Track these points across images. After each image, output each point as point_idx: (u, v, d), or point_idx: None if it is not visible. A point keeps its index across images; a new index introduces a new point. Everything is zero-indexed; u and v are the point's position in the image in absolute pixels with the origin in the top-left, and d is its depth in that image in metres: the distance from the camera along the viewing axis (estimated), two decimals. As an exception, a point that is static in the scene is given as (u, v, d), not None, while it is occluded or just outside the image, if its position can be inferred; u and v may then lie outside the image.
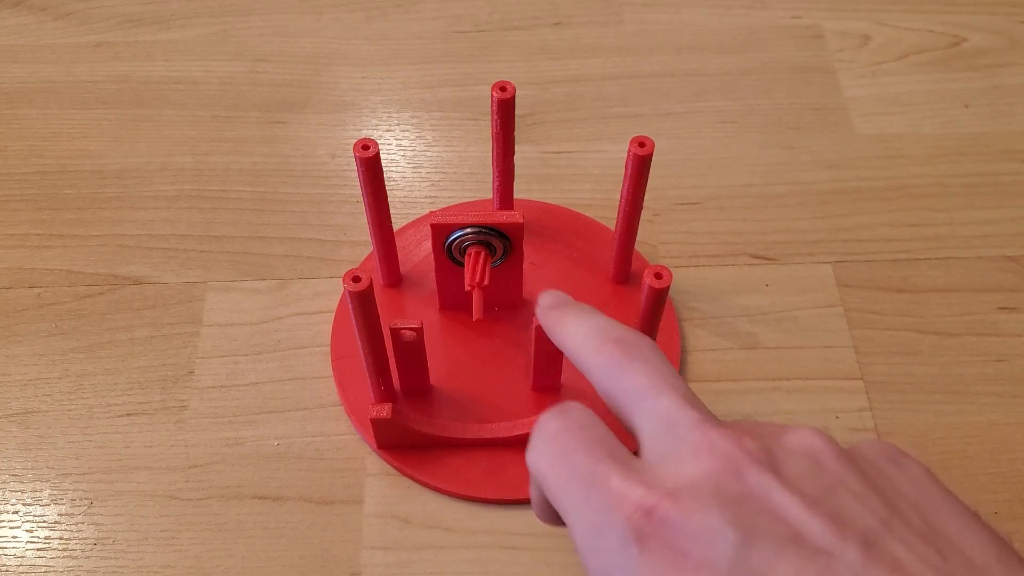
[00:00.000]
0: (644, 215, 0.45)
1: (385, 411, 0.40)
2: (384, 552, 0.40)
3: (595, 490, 0.25)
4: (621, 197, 0.42)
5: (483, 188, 0.52)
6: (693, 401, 0.27)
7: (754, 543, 0.23)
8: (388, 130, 0.55)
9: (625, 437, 0.28)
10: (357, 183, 0.41)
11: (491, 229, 0.41)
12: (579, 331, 0.31)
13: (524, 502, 0.41)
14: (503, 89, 0.41)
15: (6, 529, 0.41)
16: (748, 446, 0.25)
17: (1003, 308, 0.47)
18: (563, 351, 0.32)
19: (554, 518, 0.30)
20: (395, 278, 0.47)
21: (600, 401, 0.30)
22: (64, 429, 0.44)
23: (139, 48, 0.59)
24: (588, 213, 0.51)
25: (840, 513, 0.24)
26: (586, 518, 0.25)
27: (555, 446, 0.27)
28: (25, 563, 0.40)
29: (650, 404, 0.27)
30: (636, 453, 0.27)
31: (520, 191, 0.48)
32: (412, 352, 0.40)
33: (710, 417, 0.27)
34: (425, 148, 0.54)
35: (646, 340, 0.30)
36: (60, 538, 0.41)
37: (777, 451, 0.26)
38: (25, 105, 0.56)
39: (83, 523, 0.41)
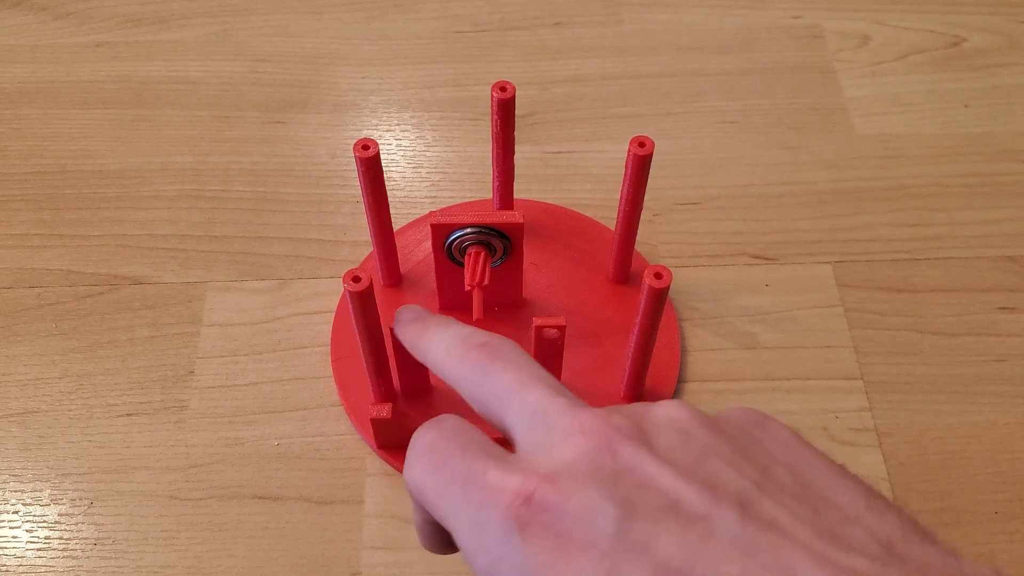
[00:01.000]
0: (644, 215, 0.45)
1: (385, 411, 0.40)
2: (384, 552, 0.40)
3: (473, 487, 0.25)
4: (621, 197, 0.42)
5: (483, 188, 0.52)
6: (561, 391, 0.27)
7: (634, 516, 0.23)
8: (388, 130, 0.55)
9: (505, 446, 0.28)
10: (357, 183, 0.41)
11: (491, 229, 0.41)
12: (441, 342, 0.32)
13: (524, 502, 0.41)
14: (503, 89, 0.41)
15: (6, 529, 0.41)
16: (618, 423, 0.26)
17: (1003, 308, 0.47)
18: (427, 364, 0.32)
19: (439, 542, 0.30)
20: (395, 278, 0.47)
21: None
22: (64, 429, 0.44)
23: (139, 48, 0.59)
24: (588, 213, 0.51)
25: (713, 479, 0.24)
26: (467, 517, 0.25)
27: (430, 456, 0.27)
28: (25, 563, 0.40)
29: (519, 399, 0.27)
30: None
31: (520, 191, 0.48)
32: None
33: (579, 402, 0.27)
34: (425, 148, 0.54)
35: (508, 341, 0.30)
36: (60, 538, 0.41)
37: (646, 426, 0.26)
38: (25, 105, 0.56)
39: (83, 523, 0.41)
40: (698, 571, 0.22)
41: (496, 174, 0.46)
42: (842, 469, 0.26)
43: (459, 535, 0.25)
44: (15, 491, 0.42)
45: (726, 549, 0.23)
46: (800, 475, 0.25)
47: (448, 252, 0.42)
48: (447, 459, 0.26)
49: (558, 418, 0.26)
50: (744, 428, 0.28)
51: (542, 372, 0.28)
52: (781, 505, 0.24)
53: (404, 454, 0.42)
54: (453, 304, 0.46)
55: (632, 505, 0.23)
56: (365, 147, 0.39)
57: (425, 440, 0.27)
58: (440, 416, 0.28)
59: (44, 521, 0.41)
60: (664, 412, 0.27)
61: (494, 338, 0.30)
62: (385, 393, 0.42)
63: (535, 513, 0.24)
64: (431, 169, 0.53)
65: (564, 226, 0.50)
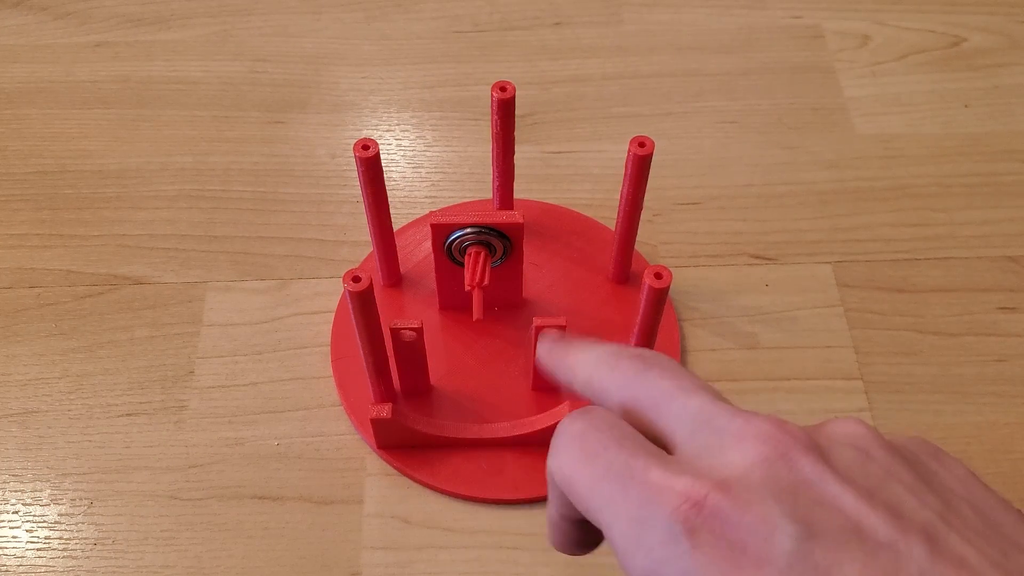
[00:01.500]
0: (644, 215, 0.45)
1: (385, 411, 0.40)
2: (384, 552, 0.40)
3: (634, 484, 0.24)
4: (621, 197, 0.42)
5: (483, 188, 0.52)
6: (724, 398, 0.26)
7: (814, 537, 0.22)
8: (388, 130, 0.55)
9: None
10: (357, 183, 0.41)
11: (491, 229, 0.41)
12: (592, 355, 0.30)
13: (524, 502, 0.41)
14: (503, 89, 0.41)
15: (6, 529, 0.41)
16: (794, 431, 0.24)
17: (1003, 308, 0.47)
18: (572, 383, 0.30)
19: (573, 541, 0.28)
20: (395, 278, 0.47)
21: None
22: (64, 429, 0.44)
23: (139, 48, 0.59)
24: (588, 213, 0.51)
25: (896, 506, 0.23)
26: (626, 514, 0.24)
27: (581, 446, 0.25)
28: (25, 563, 0.40)
29: (680, 403, 0.26)
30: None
31: (520, 191, 0.48)
32: (412, 352, 0.40)
33: (746, 410, 0.26)
34: (425, 148, 0.54)
35: (662, 354, 0.29)
36: (60, 538, 0.41)
37: (822, 440, 0.25)
38: (25, 105, 0.56)
39: (83, 523, 0.41)
40: None
41: (496, 174, 0.46)
42: (1020, 511, 0.25)
43: (614, 532, 0.24)
44: (15, 491, 0.42)
45: None
46: (982, 513, 0.24)
47: (448, 252, 0.42)
48: (601, 451, 0.25)
49: (728, 421, 0.25)
50: (920, 457, 0.25)
51: (701, 381, 0.27)
52: (969, 543, 0.22)
53: (404, 454, 0.42)
54: (453, 304, 0.46)
55: (812, 524, 0.22)
56: (365, 147, 0.39)
57: (575, 429, 0.26)
58: (587, 407, 0.27)
59: (44, 521, 0.41)
60: (842, 428, 0.25)
61: (647, 350, 0.29)
62: (385, 393, 0.42)
63: (706, 519, 0.22)
64: (431, 169, 0.53)
65: (564, 226, 0.50)
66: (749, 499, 0.22)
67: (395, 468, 0.42)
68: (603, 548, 0.41)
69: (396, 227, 0.47)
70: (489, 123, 0.45)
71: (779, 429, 0.24)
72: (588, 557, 0.40)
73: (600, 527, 0.25)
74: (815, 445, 0.24)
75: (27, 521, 0.41)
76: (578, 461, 0.25)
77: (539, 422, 0.41)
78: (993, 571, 0.22)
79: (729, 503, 0.22)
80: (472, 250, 0.41)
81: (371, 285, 0.35)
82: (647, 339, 0.39)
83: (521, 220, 0.41)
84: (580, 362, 0.30)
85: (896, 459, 0.24)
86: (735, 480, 0.23)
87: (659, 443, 0.26)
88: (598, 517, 0.25)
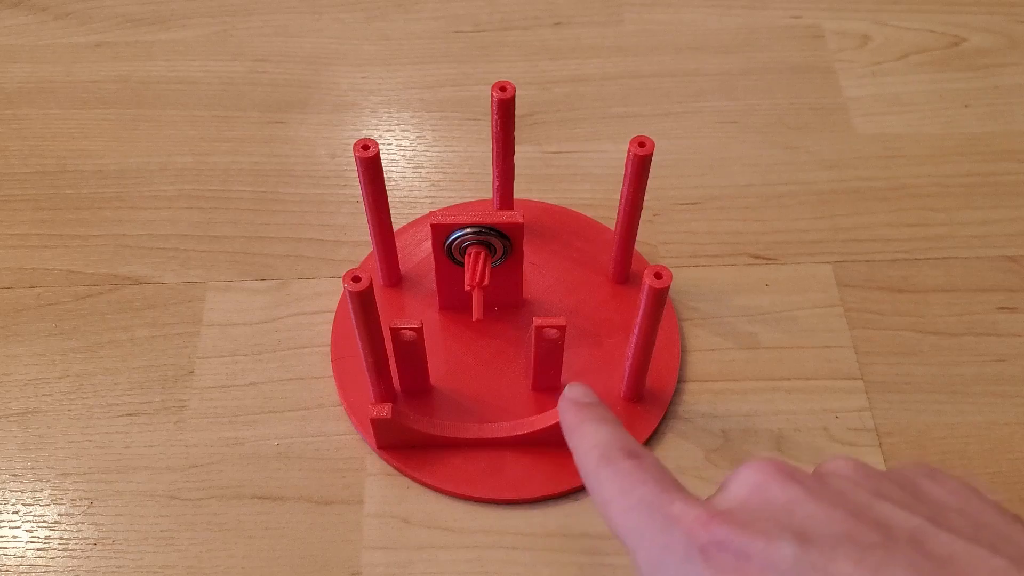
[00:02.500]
0: (644, 215, 0.45)
1: (385, 411, 0.40)
2: (384, 552, 0.40)
3: (659, 514, 0.27)
4: (621, 197, 0.42)
5: (483, 188, 0.52)
6: None
7: (810, 543, 0.24)
8: (388, 130, 0.55)
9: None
10: (357, 183, 0.41)
11: (491, 229, 0.41)
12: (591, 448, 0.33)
13: (524, 502, 0.41)
14: (503, 89, 0.41)
15: (6, 529, 0.41)
16: (784, 464, 0.28)
17: (1003, 308, 0.47)
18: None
19: None
20: (395, 278, 0.47)
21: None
22: (64, 429, 0.44)
23: (139, 48, 0.59)
24: (588, 213, 0.51)
25: (885, 519, 0.25)
26: (651, 540, 0.27)
27: (625, 479, 0.29)
28: (25, 563, 0.40)
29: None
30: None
31: (520, 191, 0.48)
32: (412, 352, 0.40)
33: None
34: (425, 148, 0.54)
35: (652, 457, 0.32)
36: (60, 538, 0.41)
37: (815, 473, 0.28)
38: (25, 105, 0.56)
39: (83, 523, 0.41)
40: None
41: (496, 174, 0.46)
42: (1017, 516, 0.27)
43: (639, 553, 0.28)
44: (15, 491, 0.42)
45: (906, 573, 0.23)
46: (974, 518, 0.26)
47: (448, 252, 0.42)
48: (640, 486, 0.29)
49: (733, 474, 0.28)
50: (912, 478, 0.28)
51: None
52: (957, 542, 0.24)
53: (404, 454, 0.42)
54: (453, 304, 0.46)
55: (807, 533, 0.25)
56: (365, 147, 0.39)
57: (626, 466, 0.30)
58: (641, 448, 0.31)
59: (44, 521, 0.41)
60: (833, 464, 0.29)
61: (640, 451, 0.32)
62: (385, 393, 0.42)
63: (716, 540, 0.25)
64: (431, 169, 0.53)
65: (564, 226, 0.50)
66: (749, 519, 0.26)
67: (395, 468, 0.42)
68: (604, 548, 0.41)
69: (396, 227, 0.47)
70: (489, 123, 0.45)
71: (770, 462, 0.28)
72: (591, 557, 0.40)
73: (627, 548, 0.28)
74: (805, 477, 0.27)
75: (27, 521, 0.41)
76: (617, 494, 0.29)
77: (539, 422, 0.41)
78: (984, 559, 0.24)
79: (733, 524, 0.26)
80: (472, 250, 0.41)
81: (371, 285, 0.35)
82: (647, 339, 0.39)
83: (521, 220, 0.41)
84: (581, 452, 0.33)
85: (885, 482, 0.27)
86: (737, 506, 0.27)
87: None
88: (626, 540, 0.28)
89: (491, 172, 0.46)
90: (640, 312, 0.37)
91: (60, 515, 0.41)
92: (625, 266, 0.47)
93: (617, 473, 0.30)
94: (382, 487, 0.42)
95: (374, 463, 0.43)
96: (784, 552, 0.24)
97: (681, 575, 0.26)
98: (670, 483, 0.29)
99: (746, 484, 0.27)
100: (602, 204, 0.51)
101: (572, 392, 0.36)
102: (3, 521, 0.41)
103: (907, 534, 0.24)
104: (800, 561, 0.24)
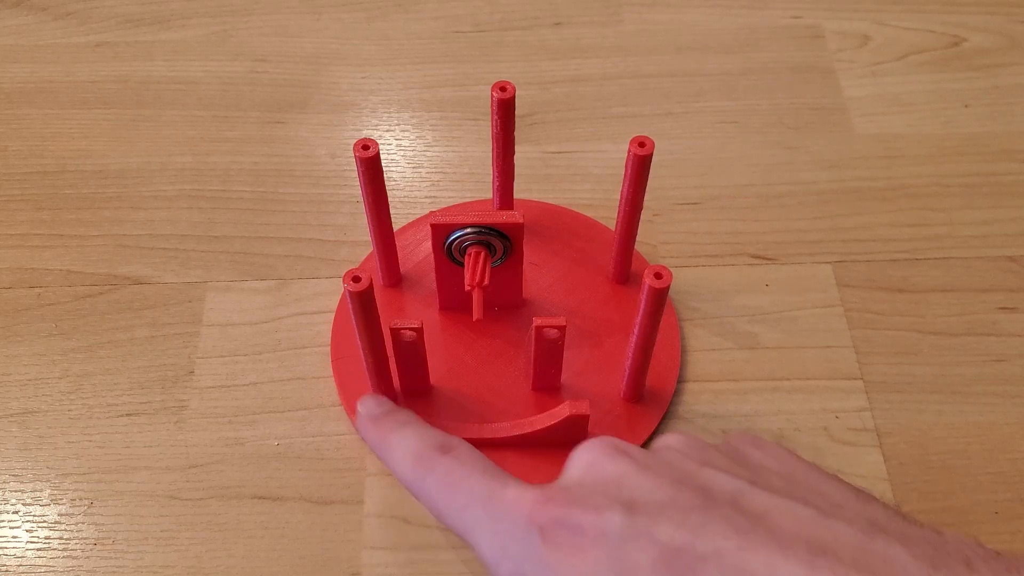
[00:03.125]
0: (644, 215, 0.45)
1: (385, 411, 0.40)
2: (384, 552, 0.40)
3: (493, 503, 0.29)
4: (621, 197, 0.42)
5: (483, 188, 0.52)
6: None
7: (636, 511, 0.26)
8: (388, 130, 0.55)
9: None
10: (357, 183, 0.41)
11: (491, 229, 0.41)
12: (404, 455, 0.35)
13: (524, 502, 0.41)
14: (503, 89, 0.41)
15: (6, 529, 0.41)
16: (613, 441, 0.29)
17: (1003, 308, 0.47)
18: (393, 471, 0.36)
19: None
20: (395, 278, 0.47)
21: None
22: (64, 429, 0.44)
23: (139, 48, 0.59)
24: (588, 213, 0.51)
25: (707, 484, 0.27)
26: (490, 528, 0.28)
27: (447, 478, 0.30)
28: (25, 563, 0.40)
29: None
30: None
31: (520, 191, 0.49)
32: (412, 352, 0.40)
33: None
34: (425, 148, 0.54)
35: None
36: (60, 538, 0.41)
37: (647, 449, 0.30)
38: (25, 105, 0.56)
39: (83, 523, 0.41)
40: (698, 547, 0.25)
41: (496, 174, 0.46)
42: (831, 474, 0.29)
43: (481, 547, 0.29)
44: (15, 491, 0.42)
45: (723, 529, 0.25)
46: (791, 478, 0.28)
47: (448, 252, 0.42)
48: (465, 480, 0.30)
49: (572, 453, 0.30)
50: (737, 447, 0.30)
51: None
52: (772, 497, 0.26)
53: (404, 454, 0.42)
54: (453, 304, 0.46)
55: (635, 504, 0.26)
56: (365, 147, 0.39)
57: (444, 465, 0.31)
58: (451, 438, 0.32)
59: (44, 521, 0.41)
60: (664, 440, 0.30)
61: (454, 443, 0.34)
62: (385, 393, 0.42)
63: (552, 518, 0.27)
64: (431, 169, 0.53)
65: (564, 226, 0.50)
66: (582, 495, 0.27)
67: (395, 468, 0.42)
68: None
69: (396, 227, 0.47)
70: (489, 123, 0.45)
71: (602, 440, 0.29)
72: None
73: (469, 544, 0.29)
74: (635, 451, 0.29)
75: (27, 521, 0.41)
76: (445, 492, 0.30)
77: (539, 422, 0.41)
78: (795, 510, 0.25)
79: (567, 501, 0.27)
80: (472, 250, 0.41)
81: (371, 285, 0.35)
82: (647, 339, 0.39)
83: (521, 220, 0.41)
84: (394, 460, 0.34)
85: (711, 452, 0.29)
86: (571, 484, 0.28)
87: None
88: (467, 536, 0.29)
89: (491, 172, 0.46)
90: (640, 312, 0.37)
91: (60, 515, 0.41)
92: (625, 266, 0.47)
93: (437, 472, 0.31)
94: (382, 487, 0.42)
95: (374, 463, 0.43)
96: (613, 521, 0.26)
97: (525, 557, 0.27)
98: (492, 470, 0.30)
99: (581, 463, 0.29)
100: (602, 204, 0.51)
101: (364, 408, 0.37)
102: (3, 521, 0.41)
103: (727, 496, 0.26)
104: (627, 527, 0.26)
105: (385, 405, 0.36)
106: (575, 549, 0.26)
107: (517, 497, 0.28)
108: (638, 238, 0.46)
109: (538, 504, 0.27)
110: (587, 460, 0.29)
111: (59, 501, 0.42)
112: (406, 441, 0.33)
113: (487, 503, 0.29)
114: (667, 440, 0.30)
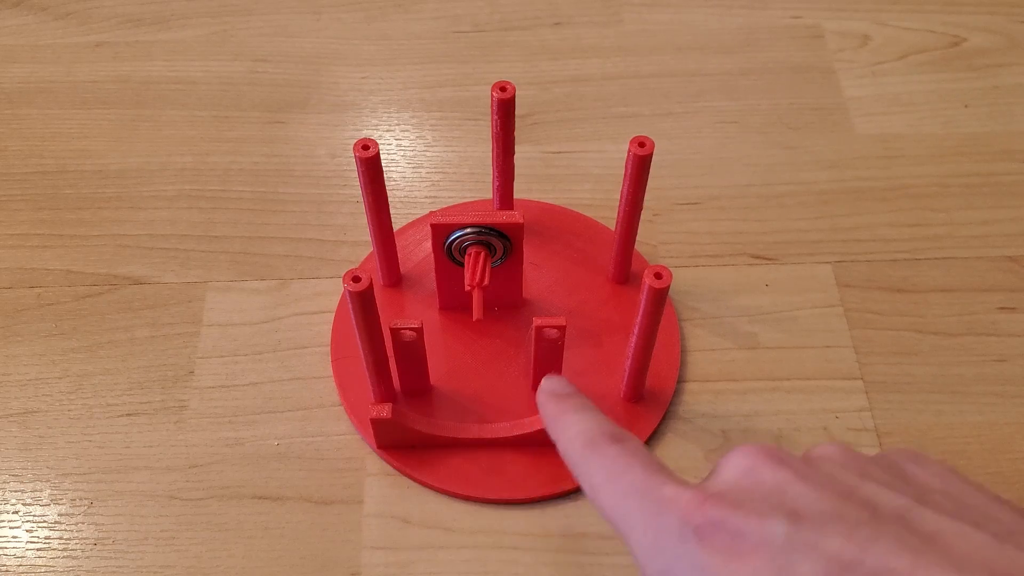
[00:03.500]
0: (644, 215, 0.45)
1: (385, 411, 0.40)
2: (384, 552, 0.40)
3: (651, 498, 0.28)
4: (621, 197, 0.42)
5: (483, 188, 0.52)
6: None
7: (801, 521, 0.25)
8: (388, 130, 0.55)
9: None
10: (357, 183, 0.41)
11: (491, 229, 0.41)
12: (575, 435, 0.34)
13: (524, 502, 0.41)
14: (503, 89, 0.41)
15: (6, 529, 0.41)
16: (772, 448, 0.28)
17: (1003, 308, 0.47)
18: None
19: None
20: (395, 278, 0.47)
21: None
22: (64, 429, 0.44)
23: (139, 48, 0.59)
24: (588, 213, 0.51)
25: (871, 499, 0.26)
26: (643, 523, 0.28)
27: (611, 465, 0.30)
28: (25, 563, 0.40)
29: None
30: None
31: (520, 191, 0.48)
32: (412, 352, 0.41)
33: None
34: (425, 148, 0.54)
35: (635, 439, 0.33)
36: (60, 538, 0.41)
37: (804, 457, 0.28)
38: (25, 105, 0.56)
39: (83, 523, 0.41)
40: (868, 563, 0.24)
41: (496, 174, 0.46)
42: (998, 496, 0.27)
43: (632, 537, 0.28)
44: (15, 491, 0.42)
45: (893, 546, 0.24)
46: (958, 499, 0.27)
47: (448, 252, 0.42)
48: (627, 471, 0.29)
49: (725, 458, 0.29)
50: (897, 462, 0.29)
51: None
52: (942, 518, 0.25)
53: (404, 454, 0.42)
54: (453, 304, 0.46)
55: (798, 513, 0.25)
56: (365, 147, 0.39)
57: (612, 451, 0.30)
58: (623, 432, 0.31)
59: (44, 521, 0.41)
60: (820, 449, 0.29)
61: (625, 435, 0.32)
62: (385, 393, 0.42)
63: (710, 520, 0.26)
64: (431, 169, 0.53)
65: (564, 226, 0.50)
66: (742, 499, 0.26)
67: (395, 468, 0.42)
68: (604, 548, 0.41)
69: (396, 227, 0.47)
70: (489, 123, 0.45)
71: (760, 447, 0.28)
72: (591, 557, 0.40)
73: (620, 534, 0.29)
74: (793, 460, 0.28)
75: (27, 521, 0.41)
76: (606, 480, 0.30)
77: (539, 422, 0.41)
78: (968, 535, 0.24)
79: (726, 504, 0.26)
80: (472, 250, 0.41)
81: (371, 285, 0.35)
82: (647, 339, 0.39)
83: (521, 220, 0.41)
84: (565, 440, 0.33)
85: (871, 465, 0.28)
86: (729, 488, 0.27)
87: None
88: (619, 526, 0.29)
89: (491, 172, 0.46)
90: (640, 312, 0.37)
91: (60, 515, 0.41)
92: (625, 266, 0.47)
93: (604, 459, 0.30)
94: (382, 487, 0.42)
95: (374, 463, 0.43)
96: (777, 530, 0.25)
97: (677, 556, 0.26)
98: (657, 466, 0.29)
99: (737, 468, 0.28)
100: (602, 204, 0.51)
101: (549, 384, 0.36)
102: (3, 521, 0.41)
103: (894, 512, 0.25)
104: (792, 538, 0.24)
105: (570, 388, 0.36)
106: (734, 554, 0.25)
107: (674, 495, 0.27)
108: (638, 238, 0.46)
109: (695, 504, 0.26)
110: (745, 465, 0.27)
111: (59, 501, 0.42)
112: (582, 423, 0.32)
113: (644, 496, 0.28)
114: (823, 450, 0.29)
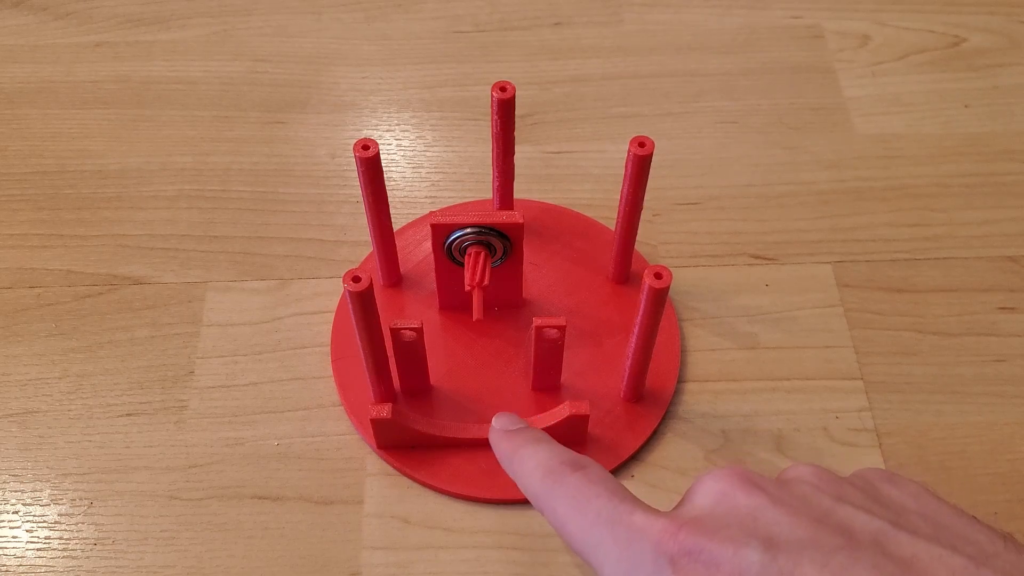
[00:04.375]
0: (644, 215, 0.45)
1: (385, 411, 0.40)
2: (384, 552, 0.40)
3: (621, 527, 0.27)
4: (621, 197, 0.42)
5: (483, 188, 0.52)
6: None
7: (776, 548, 0.25)
8: (388, 130, 0.55)
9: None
10: (357, 183, 0.41)
11: (491, 229, 0.41)
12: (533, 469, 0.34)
13: (524, 502, 0.41)
14: (503, 89, 0.41)
15: (6, 529, 0.41)
16: (745, 472, 0.28)
17: (1003, 308, 0.47)
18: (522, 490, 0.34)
19: None
20: (395, 278, 0.47)
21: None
22: (64, 429, 0.44)
23: (139, 48, 0.59)
24: (588, 213, 0.51)
25: (847, 522, 0.26)
26: (616, 552, 0.27)
27: (575, 495, 0.29)
28: (25, 563, 0.40)
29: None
30: None
31: (520, 191, 0.49)
32: (412, 352, 0.41)
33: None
34: (425, 148, 0.54)
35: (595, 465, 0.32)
36: (60, 538, 0.41)
37: (777, 480, 0.28)
38: (25, 105, 0.56)
39: (83, 523, 0.41)
40: None
41: (496, 174, 0.46)
42: (973, 517, 0.27)
43: (605, 569, 0.27)
44: (15, 491, 0.42)
45: (870, 574, 0.24)
46: (934, 520, 0.26)
47: (448, 252, 0.42)
48: (593, 499, 0.29)
49: (694, 482, 0.28)
50: (872, 482, 0.29)
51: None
52: (918, 543, 0.25)
53: (404, 454, 0.42)
54: (453, 304, 0.46)
55: (773, 541, 0.25)
56: (365, 147, 0.39)
57: (572, 481, 0.30)
58: (582, 458, 0.31)
59: (44, 521, 0.41)
60: (795, 471, 0.29)
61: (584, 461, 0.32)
62: (385, 393, 0.42)
63: (684, 548, 0.26)
64: (431, 169, 0.53)
65: (564, 226, 0.50)
66: (716, 526, 0.26)
67: (395, 468, 0.42)
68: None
69: (396, 227, 0.47)
70: (489, 123, 0.45)
71: (732, 470, 0.28)
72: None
73: (590, 564, 0.28)
74: (767, 483, 0.28)
75: (27, 521, 0.41)
76: (571, 509, 0.29)
77: (539, 422, 0.41)
78: (945, 559, 0.24)
79: (701, 532, 0.26)
80: (472, 250, 0.41)
81: (371, 285, 0.35)
82: (647, 339, 0.39)
83: (521, 220, 0.41)
84: (523, 474, 0.33)
85: (846, 487, 0.28)
86: (703, 514, 0.27)
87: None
88: (589, 556, 0.28)
89: (491, 172, 0.46)
90: (640, 312, 0.37)
91: (60, 515, 0.41)
92: (625, 266, 0.47)
93: (566, 488, 0.30)
94: (382, 487, 0.42)
95: (374, 463, 0.43)
96: (752, 558, 0.25)
97: None
98: (623, 493, 0.29)
99: (710, 493, 0.27)
100: (602, 204, 0.51)
101: (500, 422, 0.36)
102: (3, 521, 0.41)
103: (869, 537, 0.25)
104: (767, 567, 0.24)
105: (520, 423, 0.35)
106: None
107: (645, 523, 0.27)
108: (638, 238, 0.46)
109: (668, 532, 0.26)
110: (718, 489, 0.27)
111: (59, 501, 0.42)
112: (539, 454, 0.32)
113: (614, 526, 0.28)
114: (797, 472, 0.29)
